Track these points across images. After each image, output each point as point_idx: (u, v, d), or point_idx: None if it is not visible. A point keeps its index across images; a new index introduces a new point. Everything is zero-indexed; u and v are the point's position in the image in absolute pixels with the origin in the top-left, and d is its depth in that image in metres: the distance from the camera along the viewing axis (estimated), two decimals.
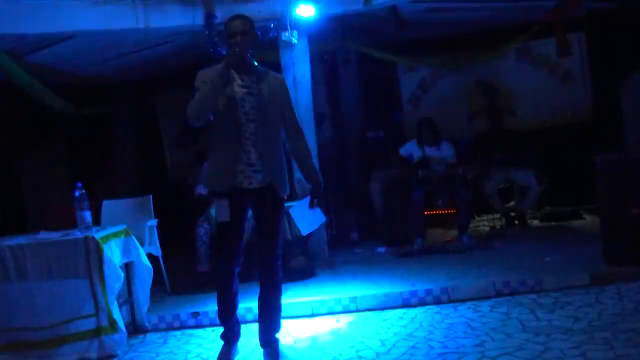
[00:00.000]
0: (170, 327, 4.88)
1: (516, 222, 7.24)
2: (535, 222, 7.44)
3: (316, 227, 4.62)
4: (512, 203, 7.30)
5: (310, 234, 5.72)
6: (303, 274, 5.65)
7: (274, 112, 3.78)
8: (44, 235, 4.53)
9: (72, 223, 4.58)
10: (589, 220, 7.15)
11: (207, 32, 5.82)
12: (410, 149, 6.71)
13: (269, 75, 3.83)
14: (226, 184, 3.73)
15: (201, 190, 6.01)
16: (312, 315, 4.81)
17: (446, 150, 6.62)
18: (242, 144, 3.69)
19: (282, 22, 5.90)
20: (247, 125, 3.69)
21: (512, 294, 4.74)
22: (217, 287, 3.92)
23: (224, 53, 5.87)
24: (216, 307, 3.97)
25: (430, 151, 6.61)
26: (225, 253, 3.84)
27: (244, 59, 3.71)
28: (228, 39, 3.69)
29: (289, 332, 4.44)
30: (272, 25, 5.89)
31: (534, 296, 4.66)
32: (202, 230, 5.79)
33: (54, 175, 8.25)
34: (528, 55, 8.10)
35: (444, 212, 7.20)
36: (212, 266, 5.81)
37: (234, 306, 3.94)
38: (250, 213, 3.96)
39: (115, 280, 4.34)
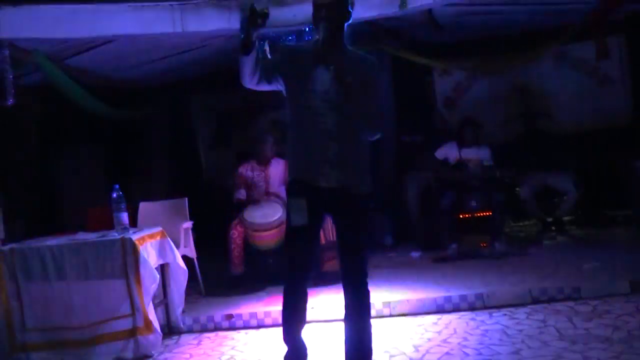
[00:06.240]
0: (204, 329, 4.92)
1: (553, 227, 7.13)
2: (573, 228, 7.31)
3: None
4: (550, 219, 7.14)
5: None
6: (336, 278, 5.62)
7: (360, 102, 3.16)
8: (82, 236, 4.61)
9: (109, 224, 4.65)
10: (629, 227, 7.00)
11: (242, 35, 5.85)
12: (446, 151, 6.64)
13: (358, 58, 3.28)
14: (306, 175, 3.25)
15: (241, 195, 6.08)
16: None
17: (483, 152, 6.55)
18: (321, 138, 3.18)
19: None
20: (329, 116, 3.17)
21: (548, 301, 4.67)
22: (284, 303, 3.39)
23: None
24: (281, 324, 3.46)
25: (466, 153, 6.54)
26: (297, 264, 3.34)
27: (331, 38, 3.16)
28: (313, 15, 3.23)
29: (323, 336, 4.43)
30: (306, 29, 5.91)
31: (571, 304, 4.58)
32: (236, 233, 5.83)
33: (93, 177, 8.39)
34: (565, 58, 7.99)
35: (480, 215, 7.11)
36: (245, 269, 5.86)
37: (301, 325, 3.42)
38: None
39: (151, 281, 4.39)
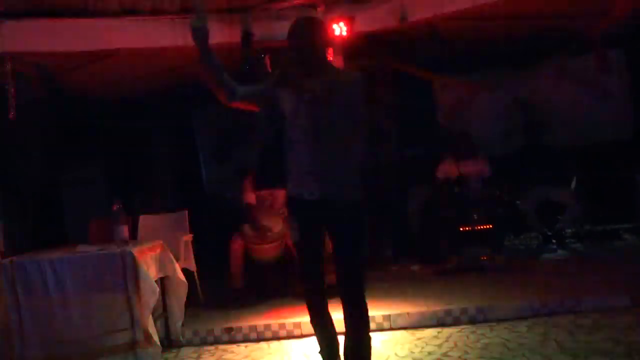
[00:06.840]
0: (204, 342, 4.90)
1: (554, 241, 7.11)
2: (574, 242, 7.30)
3: None
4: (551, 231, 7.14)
5: None
6: (335, 291, 5.61)
7: (341, 115, 3.20)
8: (82, 249, 4.61)
9: (110, 237, 4.65)
10: (629, 240, 6.99)
11: (244, 49, 5.89)
12: (446, 169, 6.64)
13: (339, 75, 3.35)
14: (294, 189, 3.33)
15: (250, 199, 6.00)
16: None
17: (482, 165, 6.56)
18: (303, 151, 3.24)
19: None
20: (310, 130, 3.21)
21: (549, 314, 4.65)
22: (309, 316, 3.54)
23: (260, 70, 5.98)
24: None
25: (465, 166, 6.55)
26: (306, 277, 3.44)
27: (303, 62, 3.26)
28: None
29: None
30: None
31: (572, 317, 4.55)
32: (236, 246, 5.82)
33: (93, 189, 8.40)
34: (566, 71, 8.00)
35: (480, 228, 7.09)
36: (245, 282, 5.84)
37: (330, 334, 3.56)
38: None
39: (150, 294, 4.38)
